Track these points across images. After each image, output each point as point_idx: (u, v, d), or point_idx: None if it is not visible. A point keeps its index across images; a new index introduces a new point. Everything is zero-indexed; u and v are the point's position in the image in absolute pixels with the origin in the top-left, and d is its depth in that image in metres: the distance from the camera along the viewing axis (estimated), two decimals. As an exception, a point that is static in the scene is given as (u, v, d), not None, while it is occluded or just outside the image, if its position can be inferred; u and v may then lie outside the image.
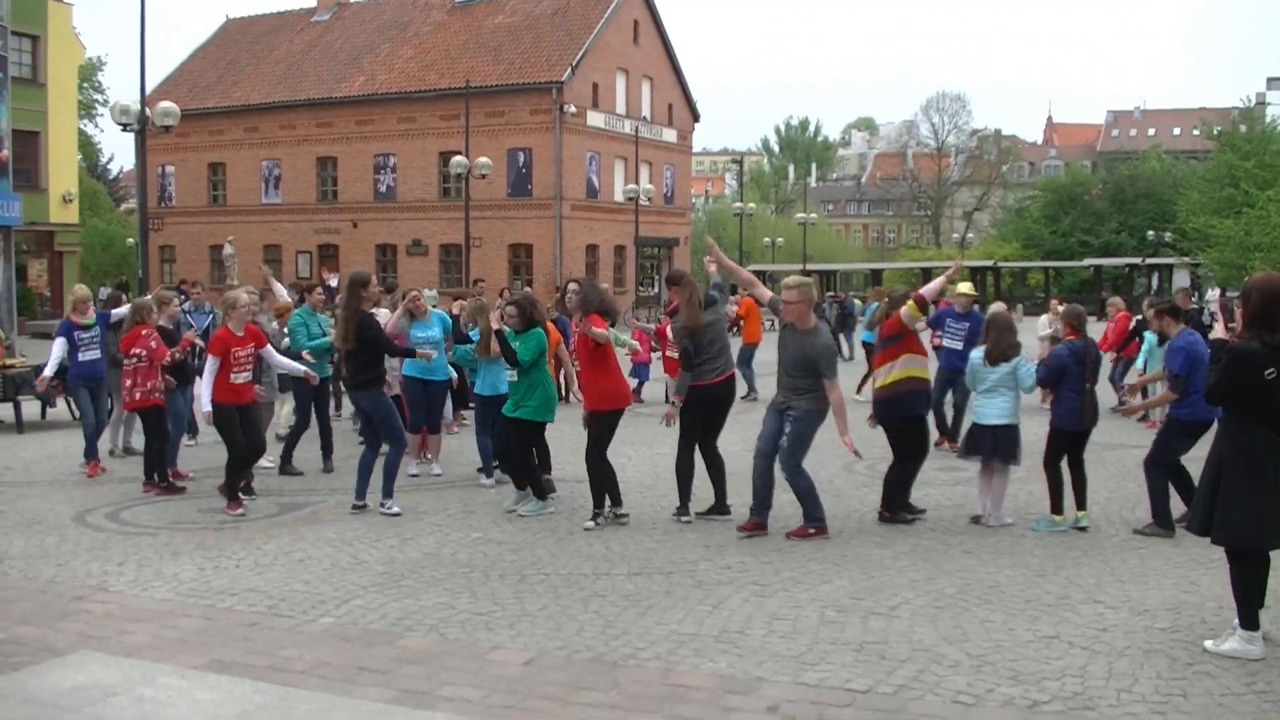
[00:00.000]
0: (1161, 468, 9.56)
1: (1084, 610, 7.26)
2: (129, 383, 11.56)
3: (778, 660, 6.34)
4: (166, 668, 6.28)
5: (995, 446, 9.71)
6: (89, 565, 8.54)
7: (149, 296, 13.33)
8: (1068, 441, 9.77)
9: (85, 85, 61.82)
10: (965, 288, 14.82)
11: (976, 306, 14.68)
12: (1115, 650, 6.47)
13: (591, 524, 9.72)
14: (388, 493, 10.34)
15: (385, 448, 10.54)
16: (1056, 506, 9.68)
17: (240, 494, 10.60)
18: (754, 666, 6.24)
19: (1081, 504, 9.75)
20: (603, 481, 9.95)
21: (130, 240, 50.54)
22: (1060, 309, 10.20)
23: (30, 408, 16.82)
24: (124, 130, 25.46)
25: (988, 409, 9.79)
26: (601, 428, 9.99)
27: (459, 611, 7.30)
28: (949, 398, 13.93)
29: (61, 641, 6.75)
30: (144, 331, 11.54)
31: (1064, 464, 9.77)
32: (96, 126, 71.44)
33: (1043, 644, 6.59)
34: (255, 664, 6.34)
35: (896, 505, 9.92)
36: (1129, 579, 8.02)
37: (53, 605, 7.52)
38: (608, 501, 9.97)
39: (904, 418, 9.95)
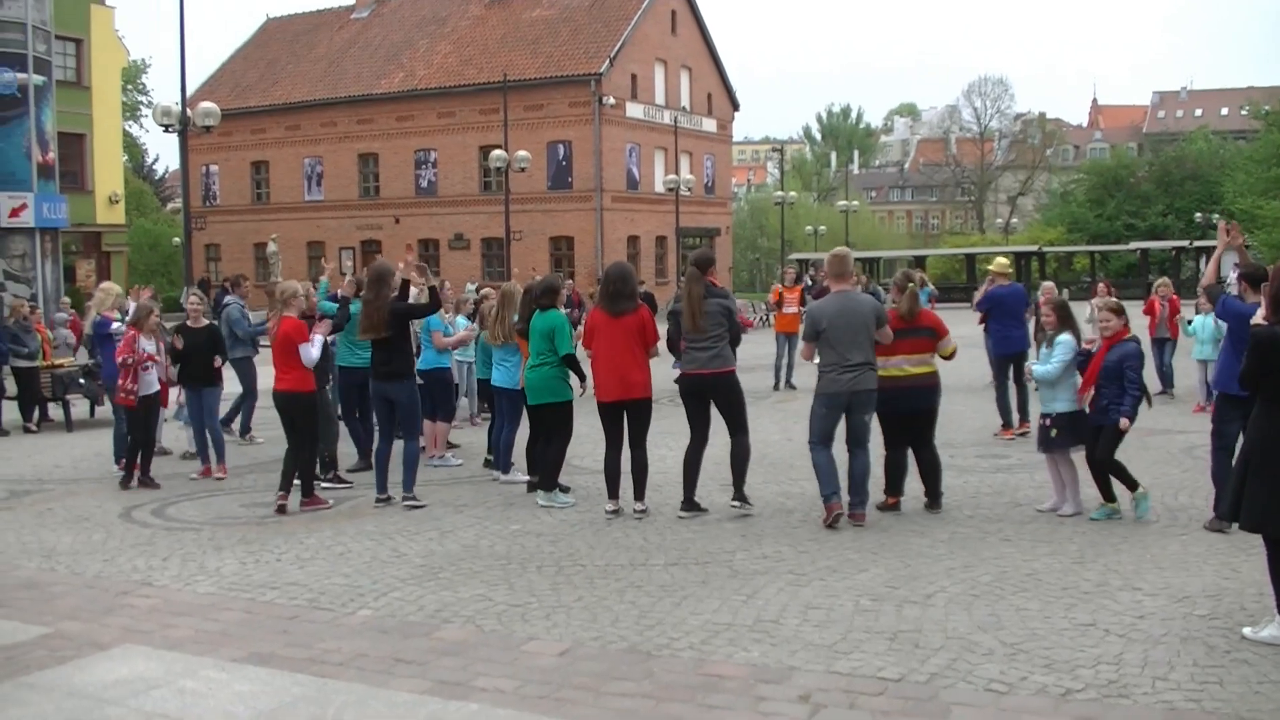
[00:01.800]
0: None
1: (1122, 597, 7.22)
2: (123, 381, 11.70)
3: (811, 649, 6.36)
4: (208, 660, 6.38)
5: (1060, 436, 9.59)
6: (134, 560, 8.69)
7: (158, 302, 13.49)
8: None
9: (129, 87, 62.61)
10: (1002, 262, 14.80)
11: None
12: (1152, 638, 6.43)
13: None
14: (410, 486, 10.43)
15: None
16: (1117, 490, 9.47)
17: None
18: (787, 656, 6.26)
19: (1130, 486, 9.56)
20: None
21: (176, 240, 51.03)
22: (1112, 302, 9.91)
23: (79, 407, 17.10)
24: (166, 131, 25.76)
25: (1049, 396, 9.72)
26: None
27: (495, 603, 7.36)
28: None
29: (106, 635, 6.88)
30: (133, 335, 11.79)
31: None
32: (141, 128, 72.33)
33: (1078, 632, 6.56)
34: (294, 656, 6.43)
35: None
36: (1169, 565, 7.97)
37: (99, 600, 7.66)
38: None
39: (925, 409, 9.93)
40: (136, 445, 11.85)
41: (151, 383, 11.88)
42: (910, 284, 10.14)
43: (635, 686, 5.86)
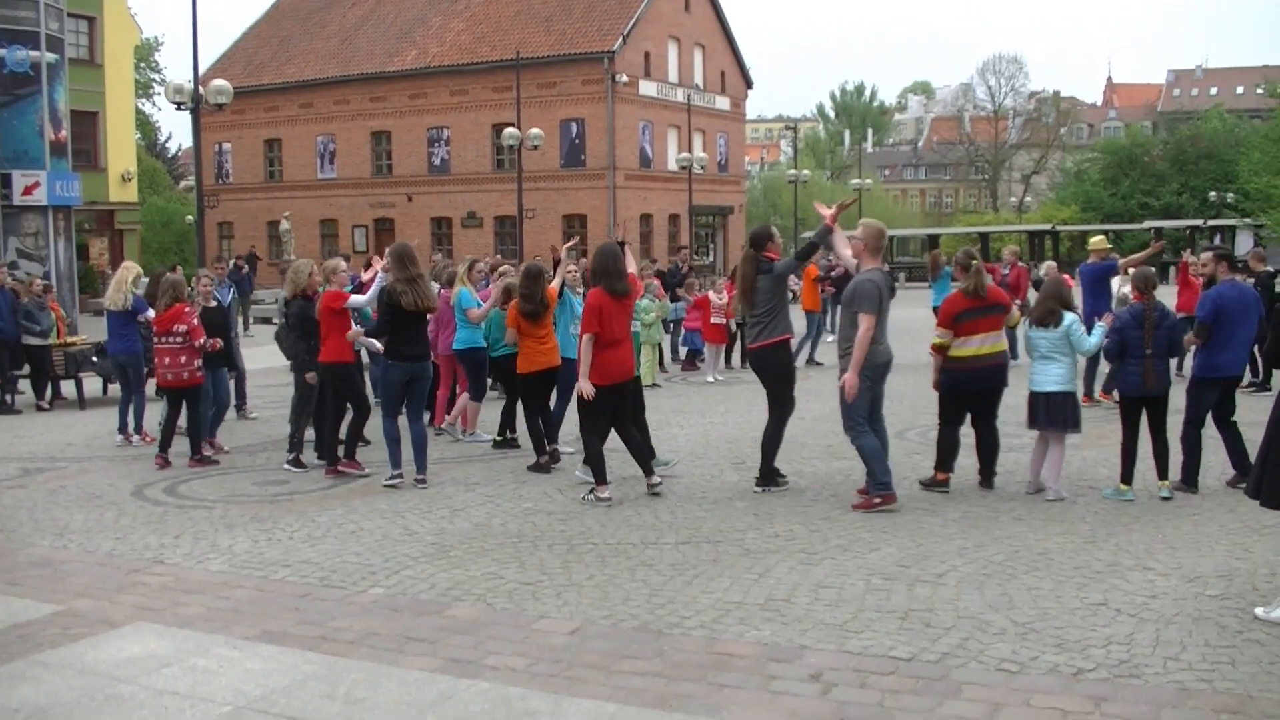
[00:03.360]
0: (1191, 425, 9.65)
1: (1133, 577, 7.20)
2: (168, 360, 11.52)
3: (822, 628, 6.35)
4: (219, 638, 6.40)
5: (1050, 414, 9.59)
6: (146, 539, 8.71)
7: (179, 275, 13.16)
8: (1131, 409, 9.60)
9: (142, 65, 62.50)
10: (1098, 241, 15.69)
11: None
12: (1164, 617, 6.41)
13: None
14: (424, 466, 10.49)
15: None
16: (1126, 476, 9.47)
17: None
18: (798, 635, 6.26)
19: (1162, 473, 9.54)
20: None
21: (189, 218, 51.08)
22: (1130, 272, 10.07)
23: (92, 384, 17.14)
24: (179, 109, 25.75)
25: (1041, 375, 9.66)
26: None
27: (507, 581, 7.37)
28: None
29: (118, 613, 6.90)
30: (186, 309, 11.65)
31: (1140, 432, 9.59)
32: (154, 105, 72.19)
33: (1090, 611, 6.55)
34: (306, 634, 6.44)
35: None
36: (1181, 545, 7.94)
37: (111, 578, 7.68)
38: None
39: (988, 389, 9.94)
40: (173, 425, 11.80)
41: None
42: (974, 261, 10.18)
43: (646, 665, 5.86)
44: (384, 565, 7.82)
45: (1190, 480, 9.54)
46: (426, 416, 11.49)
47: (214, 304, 12.75)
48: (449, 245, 49.18)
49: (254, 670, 5.90)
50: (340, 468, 10.92)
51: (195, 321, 11.60)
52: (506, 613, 6.77)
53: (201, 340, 11.52)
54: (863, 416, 9.28)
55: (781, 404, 9.93)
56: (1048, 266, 16.60)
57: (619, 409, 9.79)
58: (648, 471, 9.87)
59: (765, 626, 6.41)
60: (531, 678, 5.73)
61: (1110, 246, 16.52)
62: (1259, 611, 6.39)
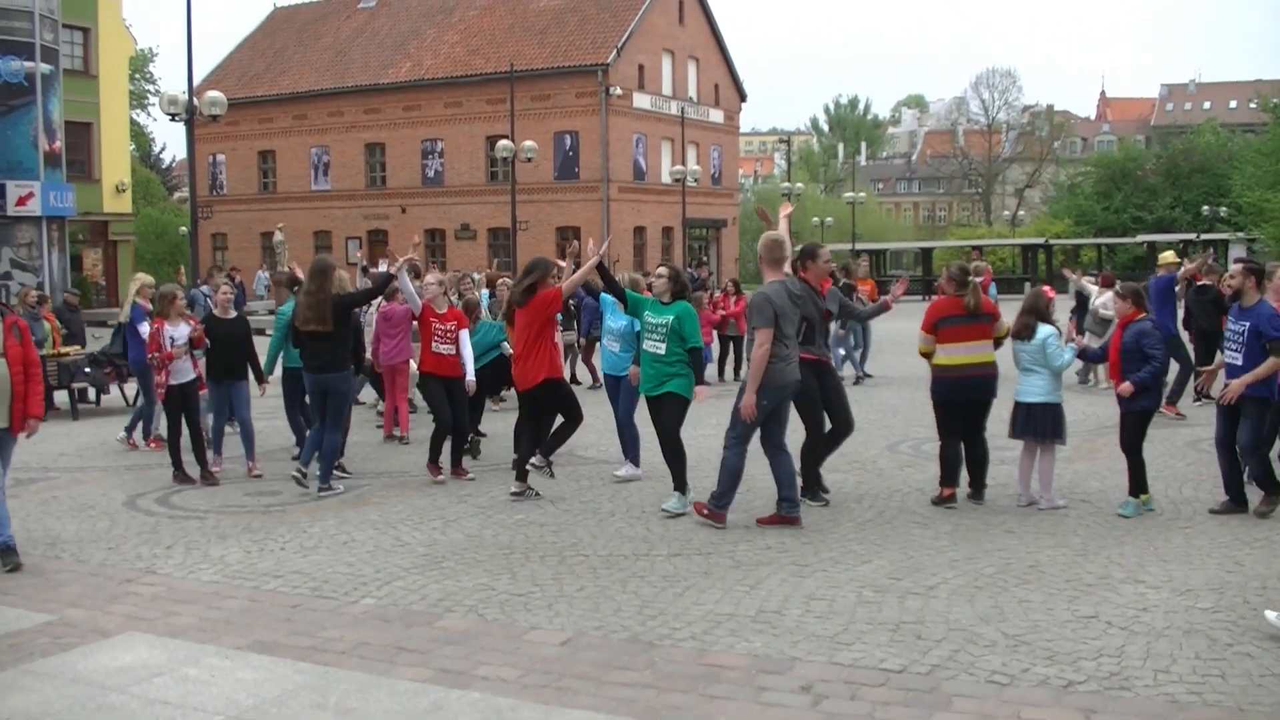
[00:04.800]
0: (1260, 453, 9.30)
1: (1124, 590, 7.22)
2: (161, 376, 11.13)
3: (813, 640, 6.36)
4: (210, 648, 6.40)
5: (1029, 424, 9.60)
6: (139, 549, 8.70)
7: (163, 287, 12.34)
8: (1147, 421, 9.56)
9: (137, 76, 62.52)
10: (1168, 255, 16.41)
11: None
12: (1154, 630, 6.43)
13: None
14: (327, 478, 10.71)
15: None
16: (1141, 486, 9.43)
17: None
18: (789, 646, 6.27)
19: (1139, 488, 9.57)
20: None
21: (183, 229, 51.06)
22: (1118, 287, 9.97)
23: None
24: (173, 120, 25.78)
25: (1023, 386, 9.69)
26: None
27: (498, 593, 7.37)
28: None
29: (110, 623, 6.90)
30: (158, 326, 11.19)
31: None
32: (149, 116, 72.16)
33: (1081, 624, 6.57)
34: (297, 644, 6.44)
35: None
36: (1172, 558, 7.96)
37: (103, 588, 7.67)
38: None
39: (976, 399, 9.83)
40: (177, 439, 11.26)
41: (187, 370, 11.21)
42: (971, 277, 10.05)
43: (637, 676, 5.87)
44: (376, 576, 7.82)
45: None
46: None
47: (233, 315, 11.99)
48: (443, 257, 49.19)
49: (245, 680, 5.90)
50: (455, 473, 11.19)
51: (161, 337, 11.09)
52: (498, 623, 6.77)
53: (153, 354, 11.11)
54: (747, 434, 9.06)
55: (805, 420, 9.86)
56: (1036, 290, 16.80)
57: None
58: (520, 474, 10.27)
59: (756, 638, 6.42)
60: (522, 688, 5.73)
61: (1179, 260, 16.93)
62: (1270, 616, 6.37)
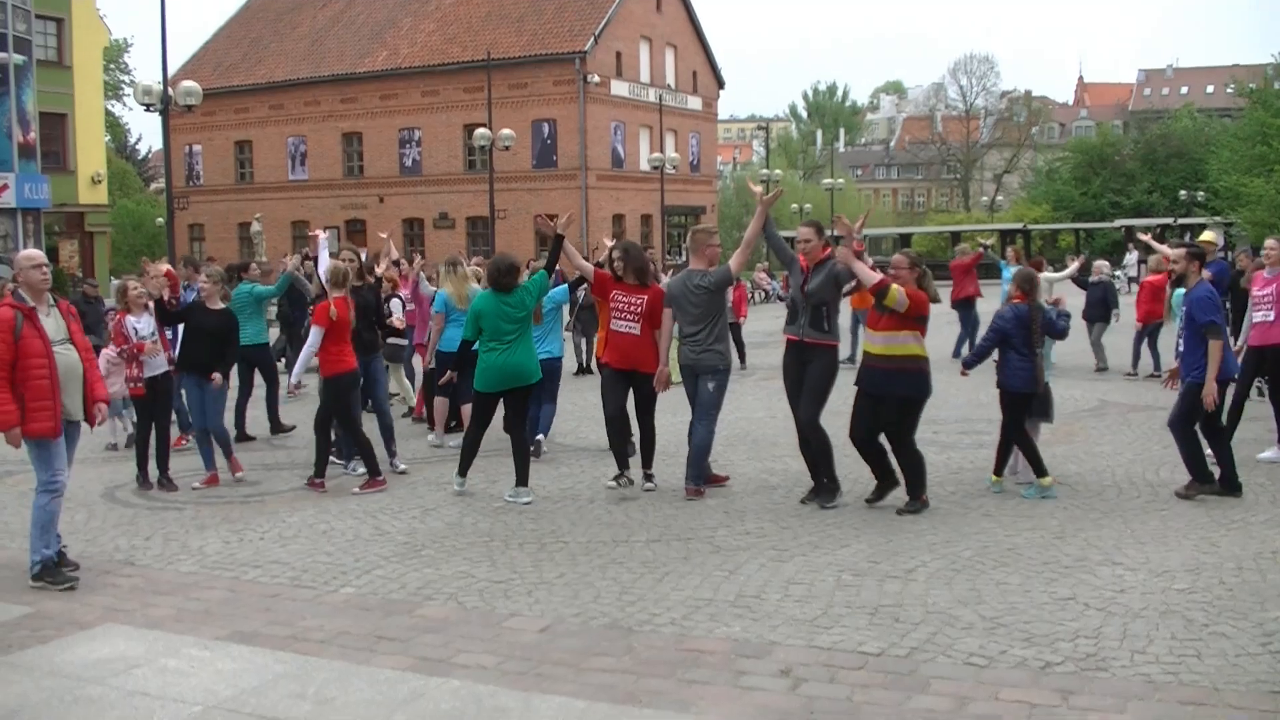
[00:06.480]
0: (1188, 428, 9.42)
1: (1101, 572, 7.26)
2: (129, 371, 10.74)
3: (792, 624, 6.39)
4: (189, 639, 6.39)
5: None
6: (117, 540, 8.67)
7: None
8: (1025, 404, 9.61)
9: (112, 67, 62.21)
10: (1209, 235, 16.10)
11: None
12: (1131, 611, 6.47)
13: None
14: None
15: None
16: (1040, 470, 9.45)
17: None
18: (768, 630, 6.29)
19: (1000, 469, 9.76)
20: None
21: (160, 220, 50.81)
22: (1014, 269, 10.03)
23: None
24: (148, 111, 25.63)
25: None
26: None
27: (478, 580, 7.37)
28: None
29: (88, 615, 6.87)
30: (120, 319, 10.87)
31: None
32: (125, 107, 71.81)
33: (1058, 606, 6.60)
34: (276, 634, 6.44)
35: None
36: (1149, 540, 8.01)
37: (81, 580, 7.63)
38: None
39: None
40: (145, 439, 10.76)
41: (160, 363, 10.81)
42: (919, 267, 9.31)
43: (615, 662, 5.88)
44: (355, 565, 7.81)
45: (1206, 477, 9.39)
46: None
47: (220, 307, 11.21)
48: (421, 246, 49.04)
49: (225, 670, 5.89)
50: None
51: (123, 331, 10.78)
52: (477, 611, 6.78)
53: (122, 348, 10.75)
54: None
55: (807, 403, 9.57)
56: (1097, 266, 17.84)
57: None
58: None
59: (735, 623, 6.43)
60: (502, 675, 5.74)
61: (1218, 244, 16.82)
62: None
